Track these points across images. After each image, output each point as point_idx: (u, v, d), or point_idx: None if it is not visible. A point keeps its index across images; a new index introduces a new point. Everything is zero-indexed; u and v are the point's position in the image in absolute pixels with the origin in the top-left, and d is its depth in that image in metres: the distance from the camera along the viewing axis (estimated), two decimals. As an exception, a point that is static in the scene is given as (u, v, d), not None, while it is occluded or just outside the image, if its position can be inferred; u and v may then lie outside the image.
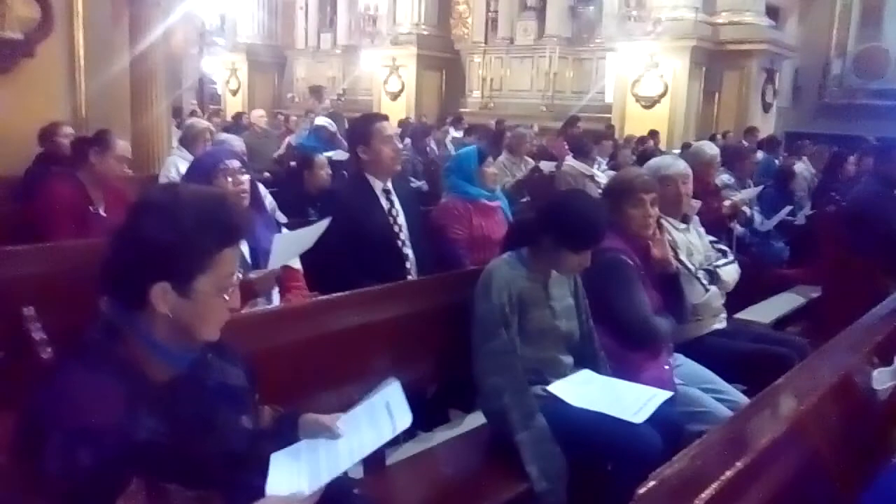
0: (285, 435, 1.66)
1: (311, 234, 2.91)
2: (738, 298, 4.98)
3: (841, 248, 4.93)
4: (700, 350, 3.08)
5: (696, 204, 3.54)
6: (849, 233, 4.85)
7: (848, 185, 5.86)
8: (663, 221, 3.10)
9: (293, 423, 1.70)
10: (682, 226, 3.33)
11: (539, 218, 2.59)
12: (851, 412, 2.04)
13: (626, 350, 2.76)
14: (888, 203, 4.76)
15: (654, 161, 3.56)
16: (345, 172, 4.95)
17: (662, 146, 9.90)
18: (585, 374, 2.62)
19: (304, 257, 3.11)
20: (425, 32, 16.17)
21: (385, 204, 3.38)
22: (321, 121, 7.64)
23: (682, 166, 3.41)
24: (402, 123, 11.17)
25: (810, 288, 5.38)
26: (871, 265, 4.57)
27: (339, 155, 6.29)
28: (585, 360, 2.68)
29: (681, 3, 11.48)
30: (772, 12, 13.17)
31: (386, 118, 3.72)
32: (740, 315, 4.99)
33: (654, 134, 10.27)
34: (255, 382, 1.64)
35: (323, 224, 2.89)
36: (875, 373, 1.94)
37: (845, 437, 2.03)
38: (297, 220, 4.10)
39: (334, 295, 2.61)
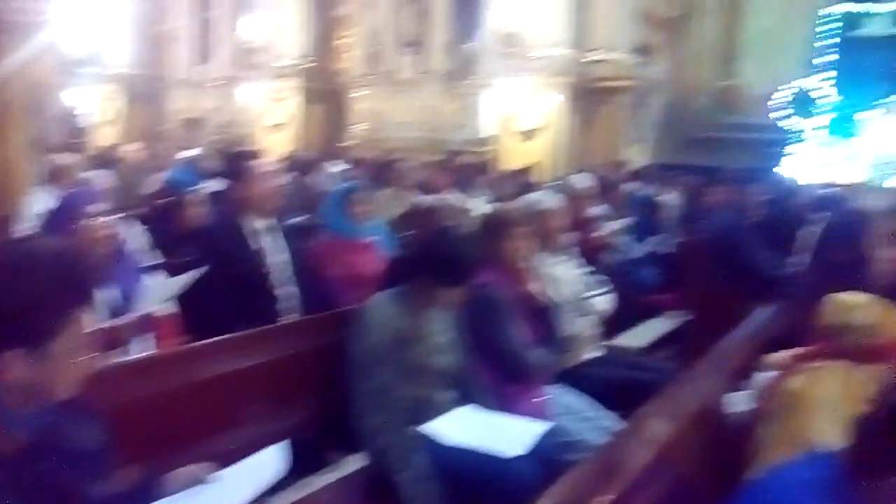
0: (149, 495, 1.58)
1: (182, 281, 2.81)
2: (612, 325, 5.20)
3: (704, 274, 5.21)
4: (576, 379, 3.16)
5: (570, 237, 3.66)
6: (710, 260, 5.14)
7: (710, 214, 6.21)
8: (537, 255, 3.19)
9: (158, 480, 1.61)
10: (556, 259, 3.43)
11: (414, 254, 2.61)
12: (712, 435, 2.15)
13: (502, 383, 2.80)
14: (742, 231, 5.08)
15: (527, 196, 3.67)
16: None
17: (541, 179, 10.21)
18: (466, 411, 2.63)
19: (184, 300, 3.00)
20: (308, 65, 16.09)
21: (254, 243, 3.30)
22: (196, 154, 7.43)
23: (554, 201, 3.53)
24: (285, 158, 11.01)
25: (680, 313, 5.65)
26: (732, 291, 4.85)
27: (218, 186, 6.11)
28: (468, 394, 2.70)
29: (556, 42, 11.96)
30: (642, 50, 13.93)
31: (260, 154, 3.66)
32: (615, 341, 5.18)
33: (532, 167, 10.59)
34: (112, 442, 1.55)
35: (195, 273, 2.80)
36: (730, 397, 2.06)
37: (708, 459, 2.13)
38: (172, 260, 3.95)
39: (203, 342, 2.52)
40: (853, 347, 1.75)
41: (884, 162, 11.62)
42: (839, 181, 11.14)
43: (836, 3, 13.66)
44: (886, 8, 12.97)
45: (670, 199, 7.55)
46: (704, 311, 5.00)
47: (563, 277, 3.38)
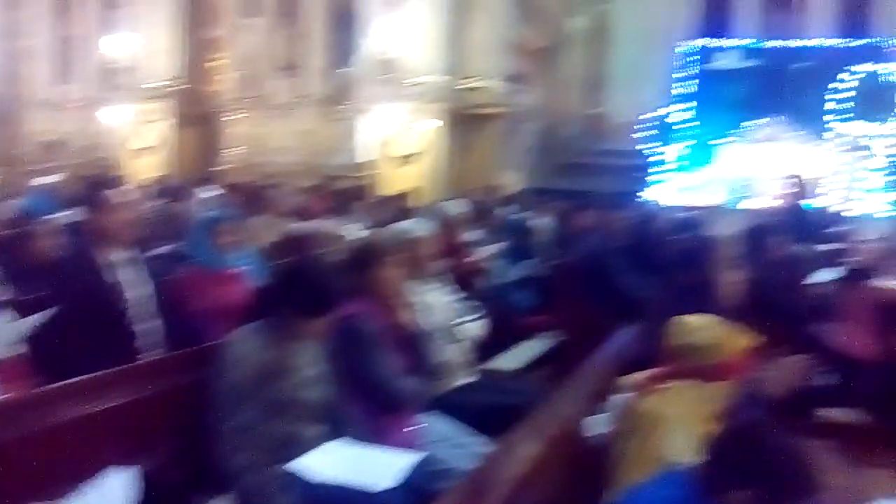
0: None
1: (31, 322, 2.63)
2: (487, 349, 5.29)
3: (575, 297, 5.39)
4: (449, 406, 3.17)
5: (441, 264, 3.69)
6: (580, 282, 5.33)
7: (579, 237, 6.45)
8: (408, 283, 3.20)
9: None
10: (427, 286, 3.45)
11: (278, 285, 2.55)
12: (575, 457, 2.21)
13: (374, 414, 2.77)
14: (609, 254, 5.30)
15: (397, 224, 3.68)
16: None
17: (417, 204, 10.29)
18: (335, 445, 2.58)
19: (34, 340, 2.79)
20: (178, 87, 15.56)
21: (111, 276, 3.13)
22: (55, 180, 7.01)
23: (425, 229, 3.55)
24: (155, 183, 10.58)
25: (553, 334, 5.81)
26: (600, 312, 5.03)
27: (74, 216, 5.77)
28: (338, 428, 2.65)
29: (432, 69, 12.15)
30: (515, 78, 14.38)
31: (122, 180, 3.49)
32: (491, 365, 5.27)
33: (410, 192, 10.66)
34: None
35: (46, 312, 2.62)
36: (589, 420, 2.12)
37: (572, 481, 2.19)
38: (21, 296, 3.67)
39: (55, 385, 2.36)
40: (699, 367, 1.84)
41: (738, 186, 12.46)
42: (698, 204, 11.86)
43: (694, 38, 14.64)
44: (738, 43, 14.00)
45: (543, 223, 7.78)
46: (575, 332, 5.16)
47: (435, 304, 3.40)
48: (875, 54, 12.12)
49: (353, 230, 6.93)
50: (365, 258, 2.99)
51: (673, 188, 12.78)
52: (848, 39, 13.25)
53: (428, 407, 3.11)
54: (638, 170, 13.57)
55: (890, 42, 12.50)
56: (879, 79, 11.51)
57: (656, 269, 4.08)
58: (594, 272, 5.17)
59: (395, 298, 2.99)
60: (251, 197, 7.92)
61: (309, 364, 2.62)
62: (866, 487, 4.12)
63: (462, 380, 3.41)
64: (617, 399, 1.94)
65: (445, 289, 3.60)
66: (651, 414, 1.81)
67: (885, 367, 4.94)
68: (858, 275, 5.01)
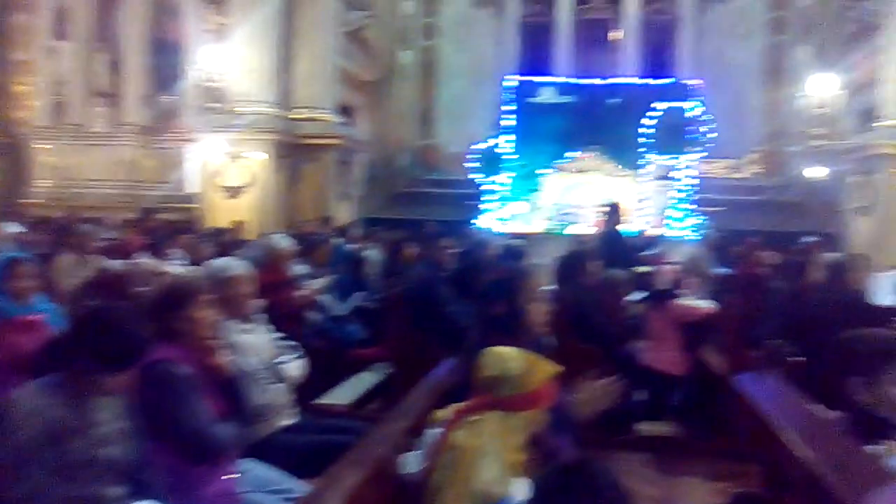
0: None
1: None
2: (318, 384, 5.18)
3: (404, 327, 5.41)
4: (269, 450, 3.06)
5: (260, 302, 3.57)
6: (408, 313, 5.35)
7: (408, 267, 6.51)
8: (224, 323, 3.06)
9: None
10: (245, 326, 3.32)
11: (74, 333, 2.34)
12: (392, 495, 2.18)
13: (187, 466, 2.61)
14: (436, 284, 5.37)
15: (215, 262, 3.53)
16: None
17: (248, 237, 10.00)
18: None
19: None
20: (-23, 114, 14.26)
21: None
22: None
23: (243, 267, 3.43)
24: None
25: (385, 365, 5.79)
26: (429, 343, 5.08)
27: None
28: (143, 487, 2.46)
29: (260, 99, 11.88)
30: (345, 110, 14.40)
31: None
32: (322, 400, 5.17)
33: (238, 225, 10.33)
34: None
35: None
36: (404, 457, 2.11)
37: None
38: None
39: None
40: (506, 398, 1.88)
41: (561, 213, 13.12)
42: (526, 232, 12.36)
43: (517, 73, 15.35)
44: (553, 79, 14.82)
45: (374, 254, 7.79)
46: (405, 364, 5.17)
47: (254, 345, 3.28)
48: (676, 93, 13.24)
49: (174, 267, 6.60)
50: (176, 298, 2.82)
51: (502, 216, 13.22)
52: (653, 79, 14.43)
53: (248, 453, 2.97)
54: (469, 199, 13.95)
55: (688, 82, 13.74)
56: (681, 114, 12.58)
57: (477, 299, 4.17)
58: (422, 302, 5.21)
59: (209, 340, 2.84)
60: (61, 232, 7.34)
61: (109, 420, 2.41)
62: (680, 496, 4.42)
63: (285, 421, 3.29)
64: (430, 433, 1.94)
65: (264, 328, 3.47)
66: (460, 448, 1.83)
67: (691, 381, 5.35)
68: (663, 295, 5.41)
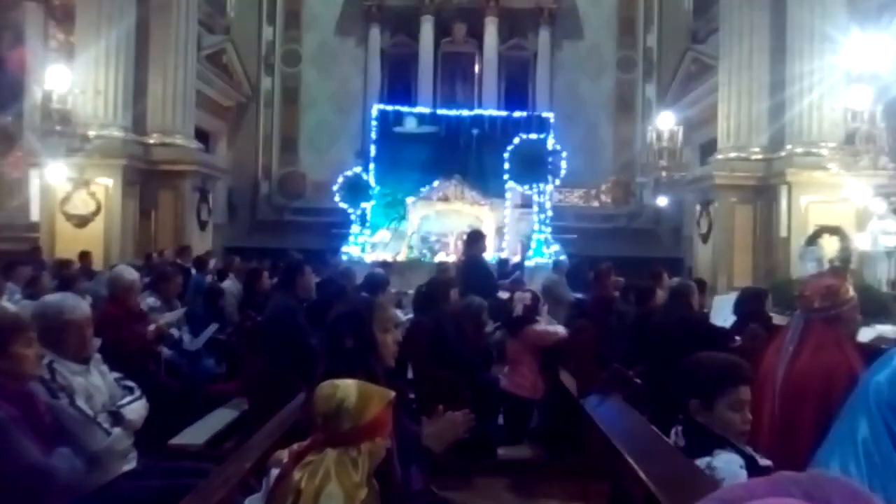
0: None
1: None
2: (171, 423, 4.92)
3: (261, 359, 5.23)
4: (107, 499, 2.85)
5: (97, 342, 3.35)
6: (266, 345, 5.19)
7: (266, 298, 6.31)
8: (57, 366, 2.86)
9: None
10: (81, 367, 3.09)
11: None
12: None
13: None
14: (296, 314, 5.24)
15: (48, 298, 3.28)
16: None
17: (97, 266, 9.43)
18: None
19: None
20: None
21: None
22: None
23: (78, 303, 3.21)
24: None
25: (242, 401, 5.57)
26: (286, 375, 4.93)
27: None
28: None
29: (109, 122, 11.31)
30: (202, 136, 13.95)
31: None
32: (175, 440, 4.90)
33: (85, 255, 9.72)
34: None
35: None
36: (247, 500, 2.02)
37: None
38: None
39: None
40: (344, 433, 1.83)
41: (425, 241, 13.26)
42: (390, 260, 12.40)
43: (381, 102, 15.47)
44: (416, 110, 15.06)
45: (231, 284, 7.54)
46: (262, 399, 5.00)
47: (90, 386, 3.06)
48: (534, 125, 13.79)
49: (12, 301, 6.11)
50: (-1, 337, 2.60)
51: (366, 245, 13.21)
52: (512, 112, 14.97)
53: (86, 500, 2.76)
54: (334, 227, 13.85)
55: (544, 115, 14.34)
56: (538, 146, 13.07)
57: (327, 331, 4.09)
58: (279, 335, 5.07)
59: (32, 380, 2.63)
60: None
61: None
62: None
63: (126, 466, 3.09)
64: (271, 475, 1.86)
65: (101, 369, 3.25)
66: (298, 491, 1.76)
67: (548, 404, 5.50)
68: (520, 321, 5.55)
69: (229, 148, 16.52)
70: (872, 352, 2.75)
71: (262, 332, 5.30)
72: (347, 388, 1.89)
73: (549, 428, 5.53)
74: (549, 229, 13.31)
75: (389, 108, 14.82)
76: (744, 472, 2.19)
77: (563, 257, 10.99)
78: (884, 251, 9.01)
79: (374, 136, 14.16)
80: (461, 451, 3.93)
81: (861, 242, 9.42)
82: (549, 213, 13.45)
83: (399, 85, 17.09)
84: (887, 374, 1.43)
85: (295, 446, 1.86)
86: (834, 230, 9.91)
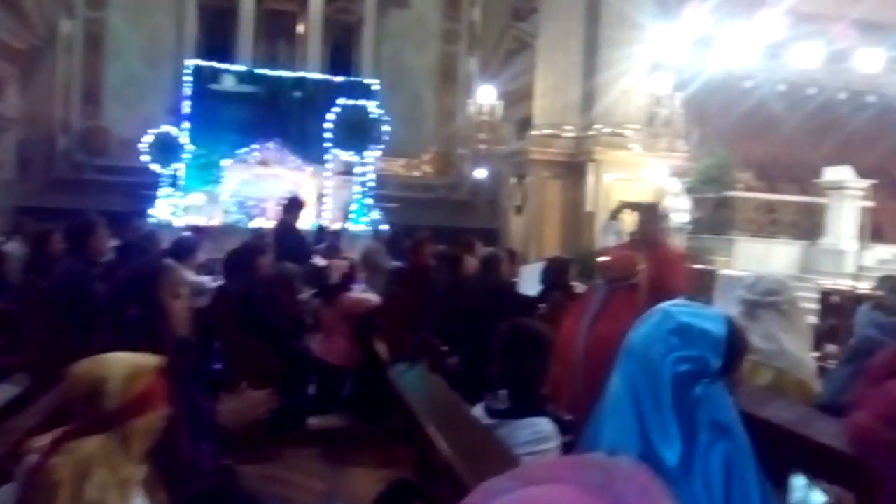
0: None
1: None
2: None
3: (46, 331, 4.77)
4: None
5: None
6: (53, 314, 4.73)
7: (55, 262, 5.72)
8: None
9: None
10: None
11: None
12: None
13: None
14: (88, 281, 4.81)
15: None
16: None
17: None
18: None
19: None
20: None
21: None
22: None
23: None
24: None
25: (22, 377, 5.06)
26: (74, 347, 4.53)
27: None
28: None
29: None
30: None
31: None
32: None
33: None
34: None
35: None
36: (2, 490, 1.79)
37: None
38: None
39: None
40: (109, 413, 1.64)
41: (242, 206, 12.78)
42: (203, 224, 11.80)
43: (197, 57, 14.60)
44: (235, 67, 14.38)
45: (15, 247, 6.80)
46: (47, 374, 4.55)
47: None
48: (357, 91, 13.61)
49: None
50: None
51: (177, 207, 12.51)
52: (336, 76, 14.69)
53: None
54: (142, 188, 12.96)
55: (368, 82, 14.20)
56: (361, 112, 12.92)
57: (108, 300, 3.78)
58: (68, 303, 4.63)
59: None
60: None
61: None
62: (347, 487, 4.48)
63: None
64: (26, 462, 1.64)
65: None
66: (59, 482, 1.55)
67: (360, 372, 5.47)
68: (334, 289, 5.46)
69: (22, 96, 14.88)
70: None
71: (46, 299, 4.82)
72: (107, 363, 1.70)
73: (361, 396, 5.51)
74: (370, 197, 13.26)
75: (206, 63, 14.04)
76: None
77: (384, 225, 11.00)
78: (678, 226, 9.81)
79: (188, 92, 13.35)
80: (269, 422, 3.80)
81: (656, 218, 10.21)
82: (371, 182, 13.39)
83: (217, 40, 16.17)
84: (642, 330, 1.50)
85: (55, 434, 1.63)
86: (634, 206, 10.62)
